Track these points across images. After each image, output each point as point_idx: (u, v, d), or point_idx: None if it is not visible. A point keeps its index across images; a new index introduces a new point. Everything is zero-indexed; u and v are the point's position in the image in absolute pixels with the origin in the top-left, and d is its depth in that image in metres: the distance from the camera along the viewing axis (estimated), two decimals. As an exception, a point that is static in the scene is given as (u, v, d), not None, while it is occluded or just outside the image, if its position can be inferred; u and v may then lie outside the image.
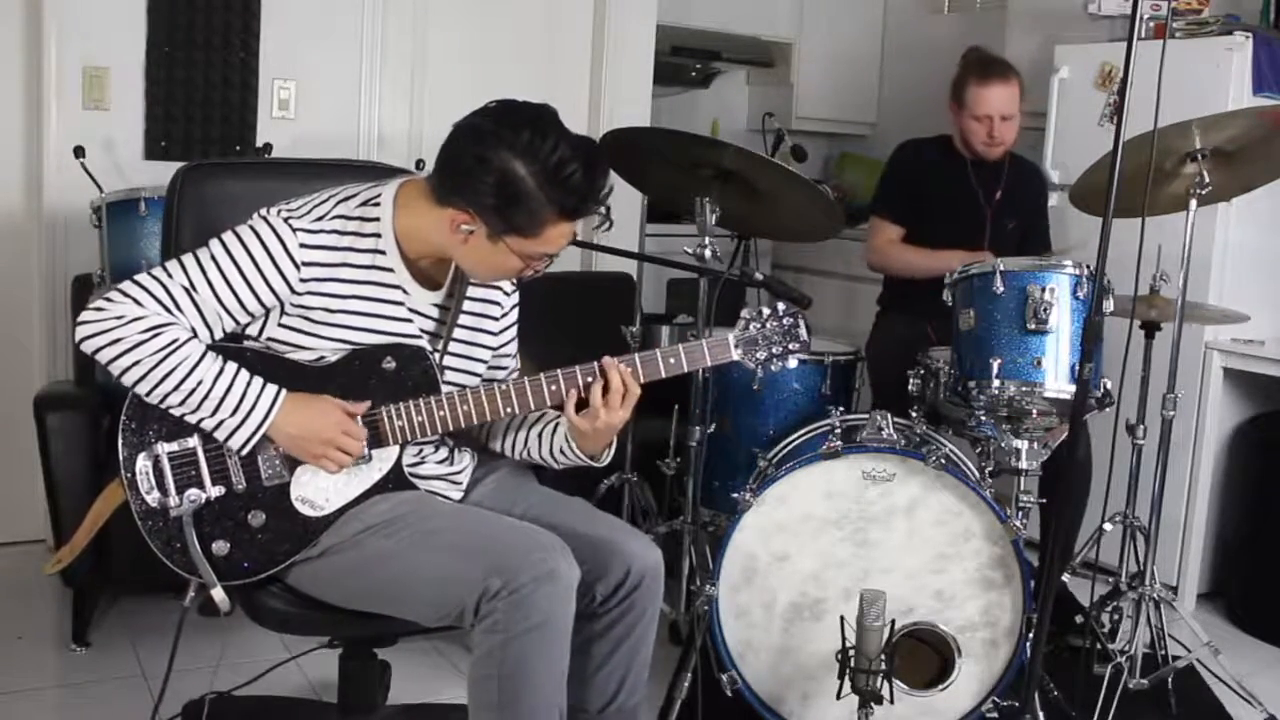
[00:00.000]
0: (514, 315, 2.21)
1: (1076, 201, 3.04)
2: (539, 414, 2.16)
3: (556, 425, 2.13)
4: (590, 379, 2.01)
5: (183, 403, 1.90)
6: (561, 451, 2.12)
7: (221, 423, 1.91)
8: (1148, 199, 2.31)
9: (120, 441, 1.95)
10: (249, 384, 1.91)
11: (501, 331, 2.18)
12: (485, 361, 2.15)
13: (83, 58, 3.56)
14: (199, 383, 1.88)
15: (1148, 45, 3.10)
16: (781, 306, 2.14)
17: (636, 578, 2.00)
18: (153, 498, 1.95)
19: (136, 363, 1.86)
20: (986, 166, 3.48)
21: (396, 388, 1.99)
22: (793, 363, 2.14)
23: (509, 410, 2.02)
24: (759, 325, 2.12)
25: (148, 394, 1.89)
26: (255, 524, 1.96)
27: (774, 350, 2.13)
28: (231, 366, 1.91)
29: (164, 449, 1.95)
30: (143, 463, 1.94)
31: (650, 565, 2.02)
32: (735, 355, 2.12)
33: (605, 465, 2.14)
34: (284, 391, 1.93)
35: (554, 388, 2.01)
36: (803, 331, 2.14)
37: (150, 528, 1.95)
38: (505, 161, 1.84)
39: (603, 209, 1.95)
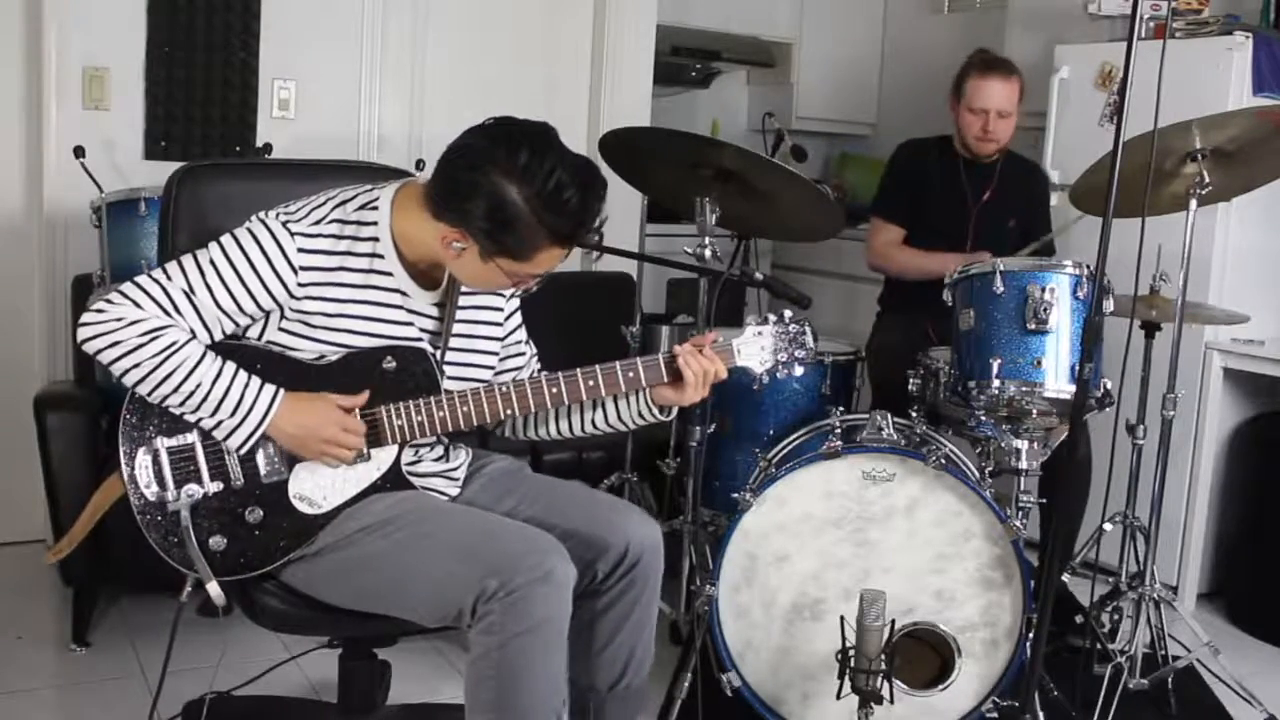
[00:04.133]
0: (515, 304, 2.21)
1: (1076, 201, 3.04)
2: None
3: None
4: (591, 381, 2.02)
5: (182, 404, 1.90)
6: (640, 415, 2.15)
7: (220, 423, 1.92)
8: (1148, 199, 2.30)
9: (121, 435, 1.95)
10: (247, 385, 1.92)
11: (505, 322, 2.18)
12: (490, 354, 2.14)
13: (83, 58, 3.56)
14: (198, 385, 1.88)
15: (1148, 45, 3.09)
16: (788, 313, 2.15)
17: (636, 554, 2.02)
18: (151, 492, 1.95)
19: (136, 365, 1.87)
20: (979, 167, 3.47)
21: (397, 387, 1.99)
22: (798, 370, 2.15)
23: (509, 411, 2.02)
24: (764, 332, 2.12)
25: (148, 394, 1.90)
26: (253, 520, 1.96)
27: (780, 358, 2.13)
28: (230, 367, 1.91)
29: (163, 444, 1.95)
30: (142, 457, 1.95)
31: (649, 541, 2.04)
32: (740, 362, 2.12)
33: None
34: (282, 391, 1.94)
35: (554, 390, 2.02)
36: (809, 339, 2.15)
37: (148, 521, 1.95)
38: (499, 185, 1.83)
39: (596, 236, 1.94)
